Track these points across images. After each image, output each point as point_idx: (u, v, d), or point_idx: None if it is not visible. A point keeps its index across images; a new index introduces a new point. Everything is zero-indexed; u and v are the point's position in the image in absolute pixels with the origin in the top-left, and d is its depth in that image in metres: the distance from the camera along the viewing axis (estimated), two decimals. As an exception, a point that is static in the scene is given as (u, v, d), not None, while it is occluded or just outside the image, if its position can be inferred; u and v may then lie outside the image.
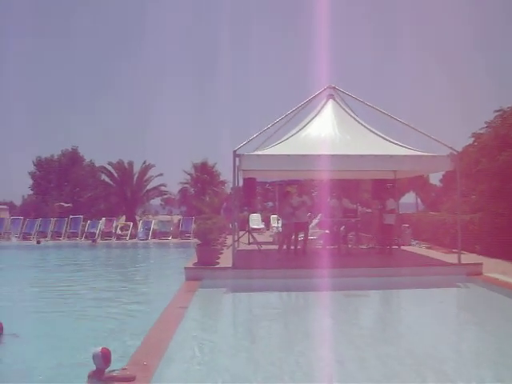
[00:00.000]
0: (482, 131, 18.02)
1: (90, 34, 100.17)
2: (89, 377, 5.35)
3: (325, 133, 13.26)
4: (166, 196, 38.72)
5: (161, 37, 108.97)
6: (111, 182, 34.84)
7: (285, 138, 13.53)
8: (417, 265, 12.92)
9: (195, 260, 12.63)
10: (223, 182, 36.98)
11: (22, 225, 25.80)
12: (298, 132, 13.58)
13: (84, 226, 25.50)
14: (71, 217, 26.22)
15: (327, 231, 15.72)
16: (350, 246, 15.50)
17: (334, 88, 14.18)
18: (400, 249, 15.77)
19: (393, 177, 16.28)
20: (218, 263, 12.56)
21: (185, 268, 12.00)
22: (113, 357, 5.50)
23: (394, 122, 13.17)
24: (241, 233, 16.87)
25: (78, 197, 33.76)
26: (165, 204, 43.35)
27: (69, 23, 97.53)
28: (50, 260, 19.43)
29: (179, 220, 26.94)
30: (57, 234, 25.27)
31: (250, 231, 17.47)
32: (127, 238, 24.96)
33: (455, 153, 12.37)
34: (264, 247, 15.63)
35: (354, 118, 13.97)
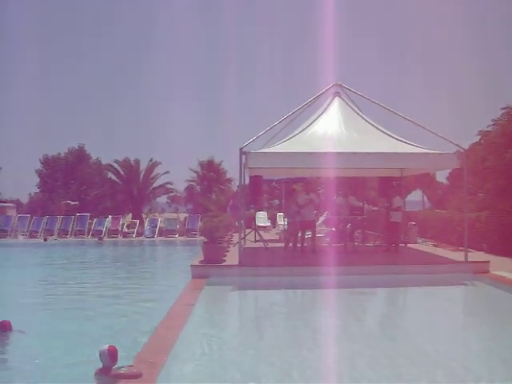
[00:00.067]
0: (488, 129, 17.95)
1: (100, 34, 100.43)
2: (96, 374, 5.38)
3: (331, 130, 13.24)
4: (172, 194, 38.86)
5: (167, 36, 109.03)
6: (117, 180, 34.98)
7: (291, 135, 13.51)
8: (423, 263, 12.89)
9: (201, 258, 12.66)
10: (229, 180, 37.05)
11: (29, 223, 25.90)
12: (304, 130, 13.57)
13: (90, 224, 25.59)
14: (78, 215, 26.34)
15: (333, 229, 15.70)
16: (356, 243, 15.46)
17: (341, 85, 14.15)
18: (406, 247, 15.73)
19: (399, 174, 16.25)
20: (224, 261, 12.58)
21: (191, 266, 12.02)
22: (120, 354, 5.52)
23: (400, 119, 13.12)
24: (247, 230, 16.89)
25: (84, 195, 33.96)
26: (171, 202, 43.49)
27: (78, 26, 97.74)
28: (58, 258, 19.49)
29: (185, 218, 26.97)
30: (63, 232, 25.36)
31: (257, 229, 17.48)
32: (134, 235, 25.04)
33: (462, 150, 12.31)
34: (270, 245, 15.63)
35: (361, 116, 13.93)
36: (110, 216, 26.59)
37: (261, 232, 17.62)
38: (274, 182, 31.68)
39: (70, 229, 25.41)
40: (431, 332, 7.86)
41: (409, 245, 16.16)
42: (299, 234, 14.40)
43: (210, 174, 36.83)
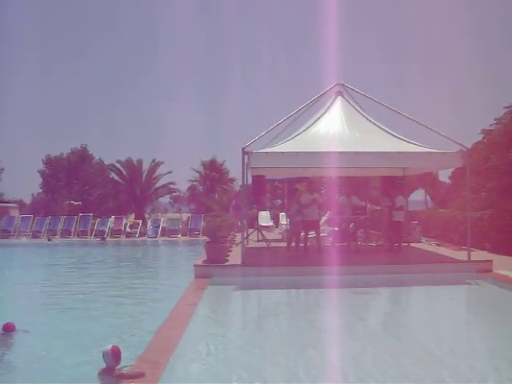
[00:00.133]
0: (491, 128, 17.90)
1: (101, 33, 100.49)
2: (99, 374, 5.39)
3: (334, 130, 13.23)
4: (174, 194, 38.85)
5: (170, 35, 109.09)
6: (120, 180, 35.01)
7: (294, 135, 13.50)
8: (426, 262, 12.86)
9: (204, 258, 12.66)
10: (232, 180, 37.04)
11: (32, 223, 25.97)
12: (306, 129, 13.56)
13: (93, 224, 25.62)
14: (81, 215, 26.38)
15: (336, 228, 15.69)
16: (359, 243, 15.47)
17: (343, 85, 14.14)
18: (409, 246, 15.70)
19: (402, 174, 16.23)
20: (227, 261, 12.59)
21: (194, 265, 12.03)
22: (124, 354, 5.54)
23: (403, 118, 13.10)
24: (250, 230, 16.89)
25: (87, 195, 34.02)
26: (174, 202, 43.47)
27: (78, 26, 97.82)
28: (62, 258, 19.53)
29: (188, 218, 26.99)
30: (66, 232, 25.40)
31: (259, 229, 17.48)
32: (137, 235, 25.07)
33: (465, 149, 12.29)
34: (273, 245, 15.64)
35: (363, 115, 13.92)
36: (112, 216, 26.65)
37: (263, 232, 17.62)
38: (276, 182, 31.74)
39: (73, 229, 25.47)
40: (435, 331, 7.85)
41: (412, 244, 16.13)
42: (302, 234, 14.41)
43: (213, 173, 36.83)
